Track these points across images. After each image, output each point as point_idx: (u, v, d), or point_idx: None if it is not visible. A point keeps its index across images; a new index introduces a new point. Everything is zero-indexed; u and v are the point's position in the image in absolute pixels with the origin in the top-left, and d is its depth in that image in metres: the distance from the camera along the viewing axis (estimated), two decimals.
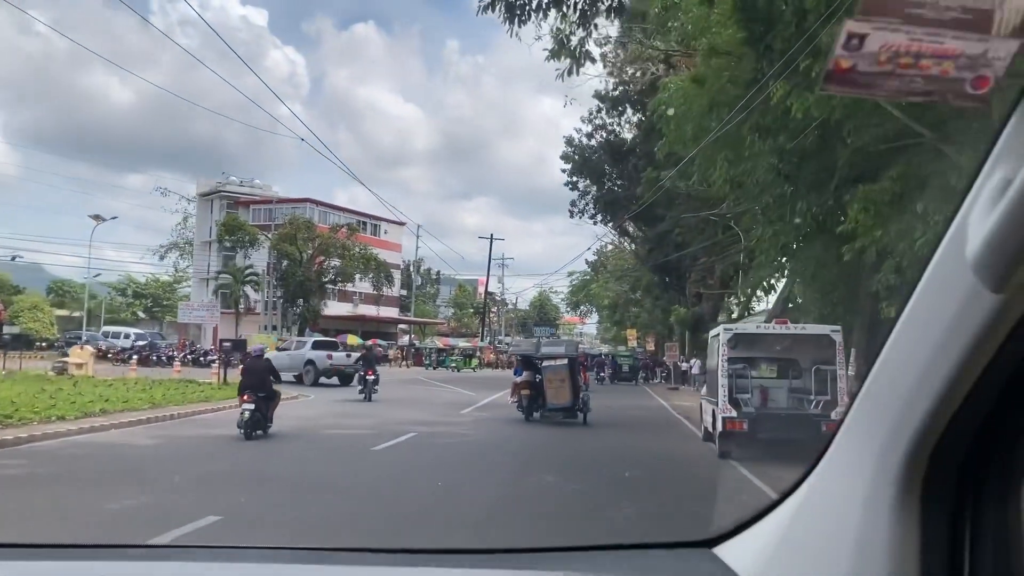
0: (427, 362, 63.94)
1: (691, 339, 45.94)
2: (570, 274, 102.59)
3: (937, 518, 1.24)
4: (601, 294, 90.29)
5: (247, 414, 14.68)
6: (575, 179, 51.30)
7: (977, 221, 0.97)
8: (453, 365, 57.45)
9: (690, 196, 34.38)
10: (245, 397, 14.94)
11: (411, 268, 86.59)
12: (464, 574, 1.82)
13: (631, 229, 53.95)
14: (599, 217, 54.44)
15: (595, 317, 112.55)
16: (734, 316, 38.06)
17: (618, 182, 48.02)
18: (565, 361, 20.31)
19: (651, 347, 74.33)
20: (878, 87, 1.01)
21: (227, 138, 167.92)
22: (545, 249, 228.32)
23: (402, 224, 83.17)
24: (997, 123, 0.99)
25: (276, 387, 16.06)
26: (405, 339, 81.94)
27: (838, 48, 1.00)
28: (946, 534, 1.24)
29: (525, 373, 21.45)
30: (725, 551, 1.73)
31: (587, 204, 54.21)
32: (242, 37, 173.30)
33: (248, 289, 56.82)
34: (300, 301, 57.29)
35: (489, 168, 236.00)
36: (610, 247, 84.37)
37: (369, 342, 66.94)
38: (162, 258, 61.77)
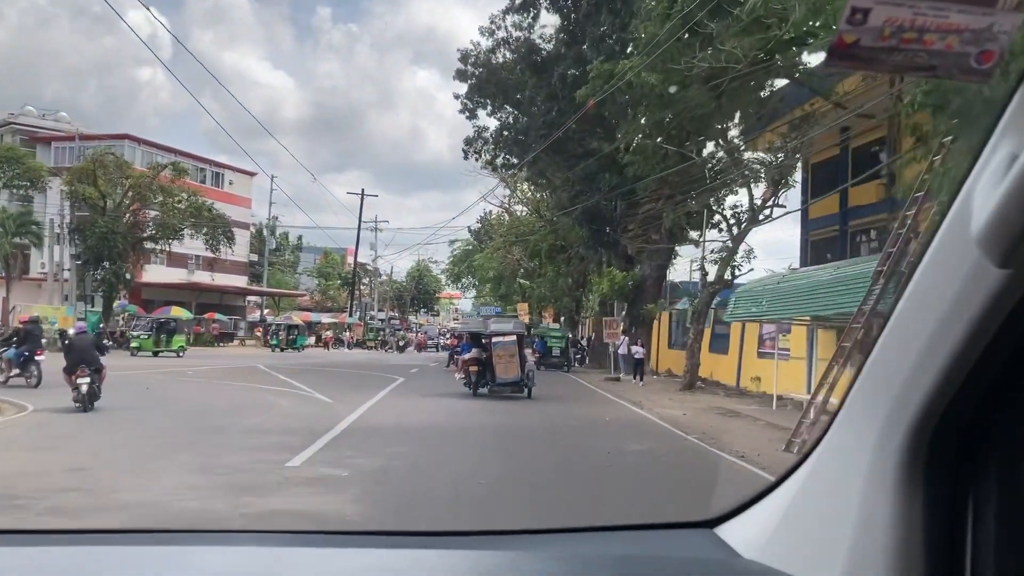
0: (274, 342, 51.64)
1: (627, 311, 34.87)
2: (451, 243, 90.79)
3: (939, 494, 1.24)
4: (486, 265, 78.75)
5: (84, 387, 15.15)
6: (474, 104, 39.09)
7: (982, 196, 0.97)
8: (135, 345, 37.61)
9: (662, 96, 23.03)
10: (79, 372, 15.29)
11: (264, 229, 72.39)
12: (465, 555, 1.74)
13: (540, 173, 42.19)
14: (502, 157, 42.49)
15: (474, 292, 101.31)
16: (709, 278, 27.04)
17: (530, 107, 36.13)
18: (514, 337, 21.16)
19: (550, 323, 63.94)
20: (881, 62, 1.02)
21: (82, 101, 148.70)
22: (421, 225, 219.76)
23: (252, 174, 69.21)
24: (1002, 97, 0.99)
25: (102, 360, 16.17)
26: (257, 314, 68.13)
27: (842, 23, 1.00)
28: (948, 509, 1.24)
29: (474, 350, 22.00)
30: (726, 531, 1.70)
31: (487, 141, 42.27)
32: None
33: (36, 247, 41.91)
34: (106, 263, 42.99)
35: (362, 141, 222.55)
36: (496, 212, 73.30)
37: (206, 316, 53.45)
38: None
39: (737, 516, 1.71)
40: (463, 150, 43.76)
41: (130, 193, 44.01)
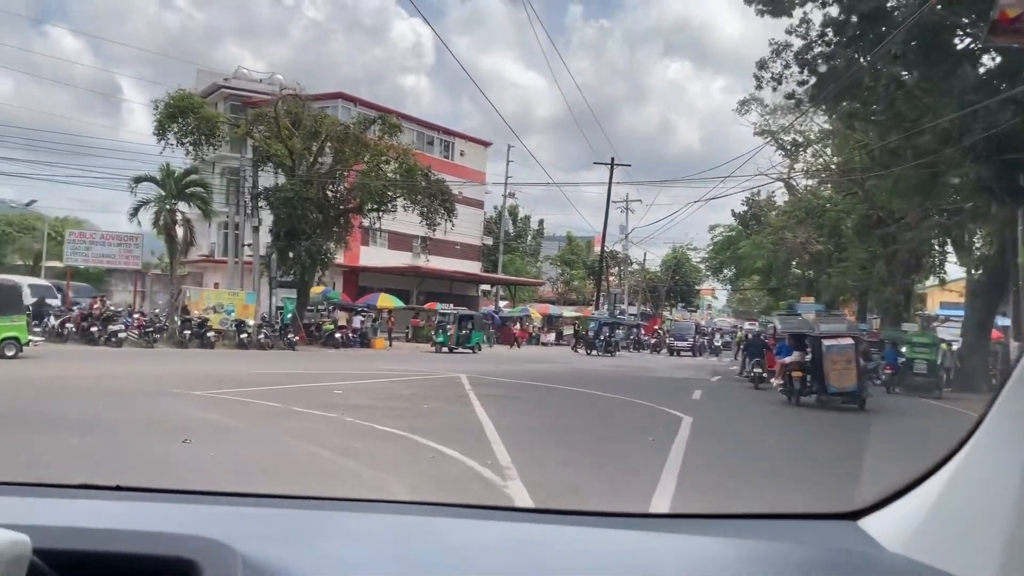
0: (439, 339, 38.00)
1: None
2: (712, 228, 77.44)
3: None
4: (753, 253, 65.07)
5: None
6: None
7: None
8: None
9: None
10: None
11: (502, 208, 62.83)
12: (601, 534, 1.73)
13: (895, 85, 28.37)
14: (811, 82, 29.32)
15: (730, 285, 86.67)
16: None
17: None
18: (851, 340, 18.97)
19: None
20: None
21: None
22: (668, 222, 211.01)
23: (487, 144, 59.89)
24: None
25: None
26: (491, 306, 58.69)
27: None
28: None
29: (795, 353, 20.03)
30: (870, 523, 1.65)
31: (790, 60, 29.51)
32: (368, 7, 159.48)
33: (203, 213, 33.96)
34: (303, 240, 34.24)
35: (612, 137, 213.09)
36: (768, 195, 59.93)
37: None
38: (132, 191, 36.95)
39: (882, 508, 1.65)
40: (755, 76, 31.39)
41: (327, 151, 35.22)
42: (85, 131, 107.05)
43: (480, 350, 39.26)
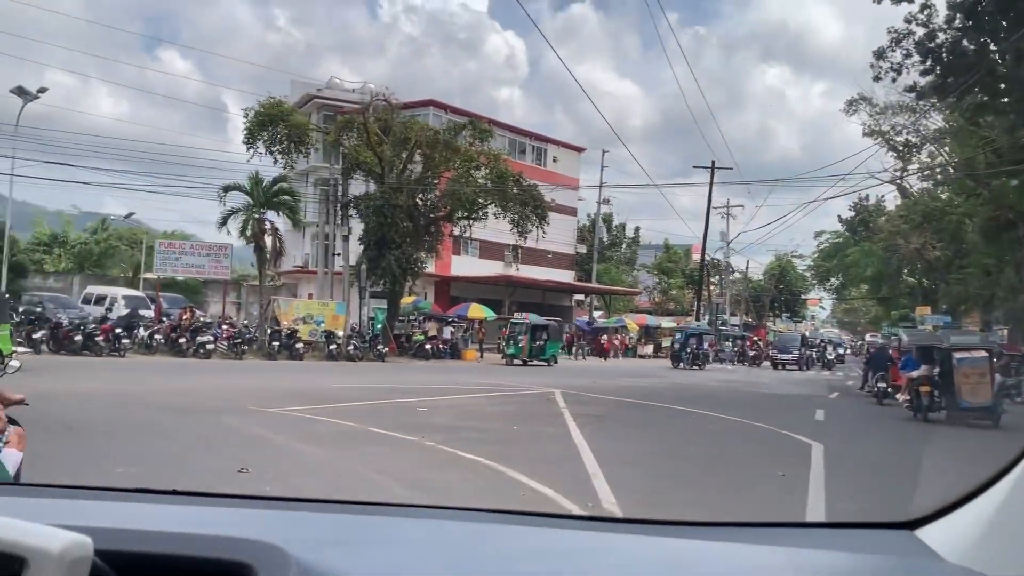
0: (510, 350, 35.42)
1: None
2: (817, 235, 73.91)
3: None
4: (862, 261, 61.80)
5: None
6: None
7: None
8: None
9: None
10: None
11: (595, 215, 61.02)
12: (654, 542, 1.68)
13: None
14: (935, 71, 26.88)
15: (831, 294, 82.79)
16: None
17: None
18: (984, 353, 18.02)
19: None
20: None
21: None
22: (771, 228, 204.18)
23: (580, 150, 58.39)
24: None
25: None
26: (585, 317, 56.94)
27: None
28: None
29: (923, 367, 19.04)
30: (928, 533, 1.59)
31: (911, 49, 27.33)
32: (463, 22, 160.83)
33: (292, 222, 33.42)
34: (394, 249, 33.29)
35: (708, 144, 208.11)
36: (878, 199, 56.72)
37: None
38: (222, 200, 36.31)
39: (941, 518, 1.59)
40: (872, 66, 29.04)
41: (417, 158, 34.28)
42: (194, 145, 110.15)
43: (556, 362, 36.86)
